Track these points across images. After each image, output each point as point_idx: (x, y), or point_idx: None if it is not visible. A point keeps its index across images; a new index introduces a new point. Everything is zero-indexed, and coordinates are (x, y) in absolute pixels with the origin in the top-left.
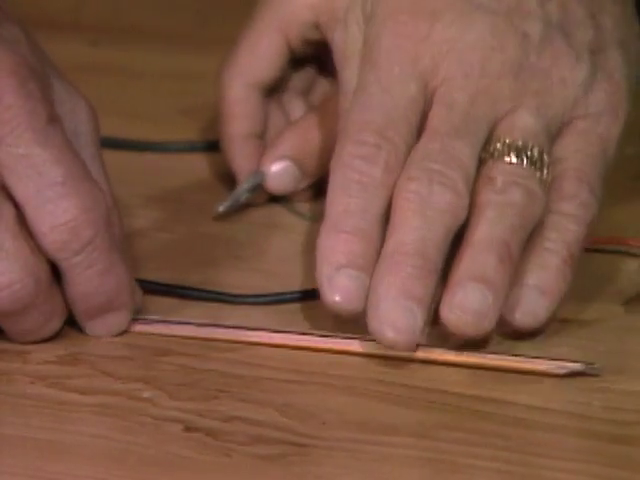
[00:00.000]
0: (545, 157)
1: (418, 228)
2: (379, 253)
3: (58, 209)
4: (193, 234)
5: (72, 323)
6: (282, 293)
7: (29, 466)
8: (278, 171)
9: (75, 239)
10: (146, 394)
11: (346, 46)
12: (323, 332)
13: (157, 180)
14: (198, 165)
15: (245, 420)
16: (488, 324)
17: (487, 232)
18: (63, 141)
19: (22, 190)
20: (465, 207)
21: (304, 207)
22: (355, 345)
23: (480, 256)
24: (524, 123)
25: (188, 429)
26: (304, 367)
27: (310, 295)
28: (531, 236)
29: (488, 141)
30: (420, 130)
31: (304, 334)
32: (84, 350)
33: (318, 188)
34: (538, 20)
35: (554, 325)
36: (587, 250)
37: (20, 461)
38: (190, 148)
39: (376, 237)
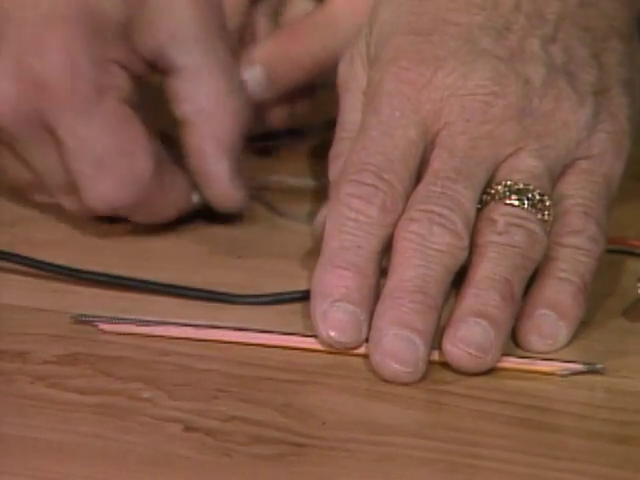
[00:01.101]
0: (546, 199)
1: (418, 266)
2: (374, 289)
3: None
4: (193, 234)
5: (72, 323)
6: (282, 293)
7: (29, 466)
8: (248, 76)
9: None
10: (146, 394)
11: (348, 79)
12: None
13: None
14: None
15: (245, 420)
16: (491, 360)
17: (489, 270)
18: (109, 113)
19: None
20: (464, 248)
21: (301, 212)
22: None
23: (483, 293)
24: (526, 166)
25: (188, 429)
26: (304, 367)
27: (310, 295)
28: (543, 269)
29: (489, 183)
30: (420, 174)
31: (304, 336)
32: (84, 350)
33: (315, 194)
34: (541, 64)
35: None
36: None
37: (20, 461)
38: None
39: (371, 273)
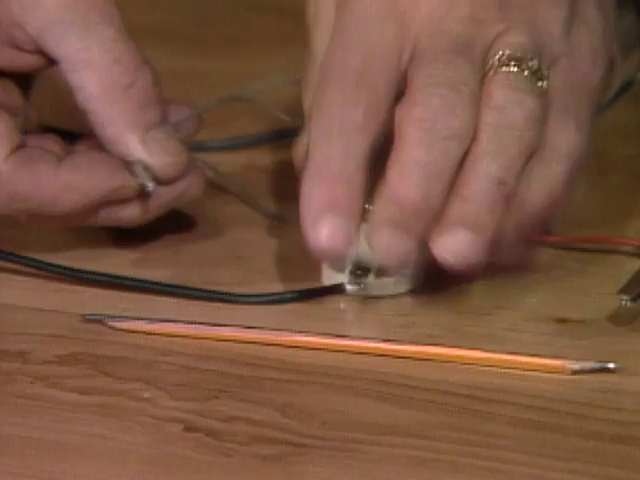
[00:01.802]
0: (543, 67)
1: (422, 164)
2: (363, 196)
3: None
4: (193, 234)
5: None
6: (282, 293)
7: (29, 466)
8: None
9: None
10: (146, 394)
11: (317, 13)
12: (323, 331)
13: None
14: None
15: (245, 420)
16: (476, 266)
17: (484, 168)
18: None
19: None
20: (471, 131)
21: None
22: (354, 343)
23: (474, 197)
24: (519, 40)
25: (188, 429)
26: (304, 367)
27: (310, 295)
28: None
29: (485, 59)
30: (403, 71)
31: (301, 332)
32: (84, 350)
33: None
34: None
35: (557, 326)
36: (587, 250)
37: (20, 461)
38: (190, 148)
39: (359, 181)
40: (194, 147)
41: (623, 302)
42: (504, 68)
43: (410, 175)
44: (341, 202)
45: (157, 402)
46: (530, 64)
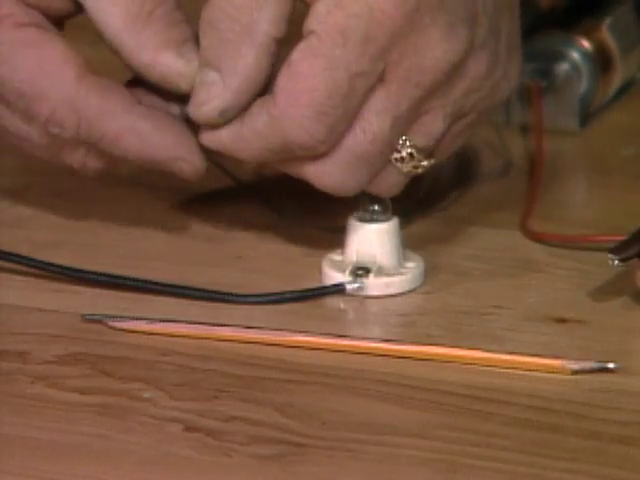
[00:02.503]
0: None
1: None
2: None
3: None
4: (193, 234)
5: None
6: (282, 293)
7: (29, 466)
8: None
9: None
10: (146, 394)
11: None
12: (323, 331)
13: None
14: None
15: (245, 420)
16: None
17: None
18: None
19: None
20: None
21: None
22: (354, 343)
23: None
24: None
25: (188, 429)
26: (304, 367)
27: (310, 295)
28: None
29: None
30: None
31: (301, 332)
32: (84, 350)
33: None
34: None
35: (556, 326)
36: (587, 250)
37: (20, 461)
38: None
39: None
40: None
41: (611, 262)
42: None
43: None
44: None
45: (157, 402)
46: None
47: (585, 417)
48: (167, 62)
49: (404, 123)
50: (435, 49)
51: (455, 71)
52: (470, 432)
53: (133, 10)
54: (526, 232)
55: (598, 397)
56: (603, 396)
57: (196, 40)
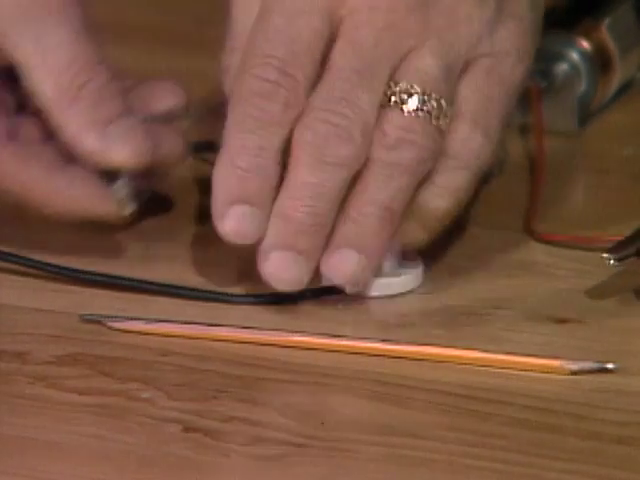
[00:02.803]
0: (443, 103)
1: (311, 184)
2: (275, 189)
3: None
4: (193, 234)
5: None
6: (282, 293)
7: (27, 466)
8: None
9: None
10: (145, 394)
11: None
12: (321, 331)
13: None
14: (195, 164)
15: (244, 420)
16: (361, 287)
17: (373, 195)
18: None
19: None
20: (361, 158)
21: None
22: (352, 343)
23: (361, 219)
24: (425, 65)
25: (187, 429)
26: (303, 367)
27: (309, 295)
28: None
29: (389, 84)
30: (324, 63)
31: (298, 332)
32: (83, 350)
33: None
34: None
35: (555, 326)
36: (586, 250)
37: (18, 461)
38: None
39: (272, 174)
40: (199, 147)
41: (608, 262)
42: (403, 106)
43: (297, 195)
44: (251, 194)
45: (156, 402)
46: (427, 100)
47: (584, 417)
48: (89, 143)
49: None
50: None
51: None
52: (468, 432)
53: (64, 83)
54: (527, 232)
55: (597, 397)
56: (602, 396)
57: (128, 113)
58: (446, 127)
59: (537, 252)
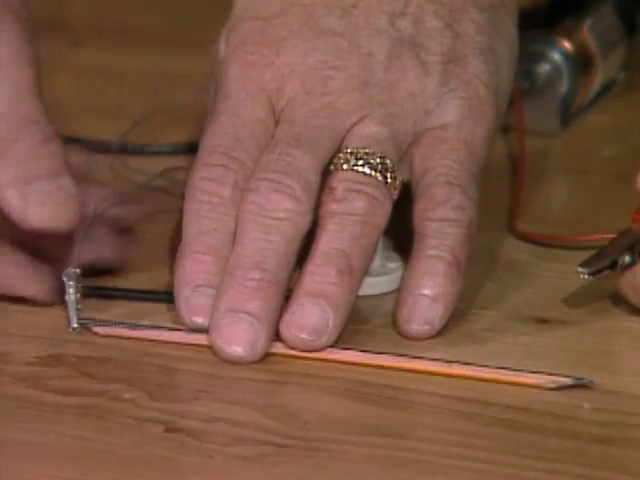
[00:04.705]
0: (388, 162)
1: (256, 239)
2: None
3: None
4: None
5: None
6: None
7: (9, 467)
8: None
9: None
10: (127, 395)
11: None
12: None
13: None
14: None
15: (226, 421)
16: (326, 340)
17: (326, 244)
18: None
19: None
20: (305, 213)
21: None
22: (329, 355)
23: (319, 270)
24: (369, 132)
25: (169, 430)
26: (285, 368)
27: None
28: (415, 248)
29: (333, 151)
30: None
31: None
32: (65, 351)
33: None
34: (386, 37)
35: (537, 326)
36: (567, 249)
37: (0, 462)
38: (172, 150)
39: (228, 254)
40: (169, 150)
41: (581, 276)
42: (345, 165)
43: (245, 253)
44: (212, 276)
45: (138, 403)
46: (372, 160)
47: (565, 417)
48: (8, 199)
49: None
50: None
51: None
52: (452, 432)
53: None
54: (510, 232)
55: (580, 398)
56: (585, 396)
57: (59, 174)
58: (393, 183)
59: (520, 252)
